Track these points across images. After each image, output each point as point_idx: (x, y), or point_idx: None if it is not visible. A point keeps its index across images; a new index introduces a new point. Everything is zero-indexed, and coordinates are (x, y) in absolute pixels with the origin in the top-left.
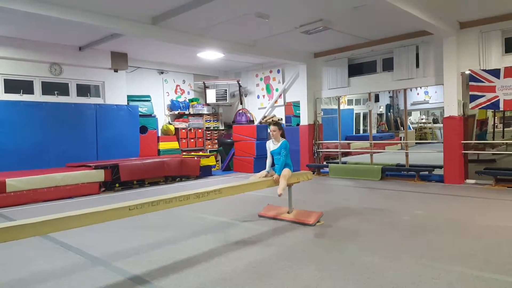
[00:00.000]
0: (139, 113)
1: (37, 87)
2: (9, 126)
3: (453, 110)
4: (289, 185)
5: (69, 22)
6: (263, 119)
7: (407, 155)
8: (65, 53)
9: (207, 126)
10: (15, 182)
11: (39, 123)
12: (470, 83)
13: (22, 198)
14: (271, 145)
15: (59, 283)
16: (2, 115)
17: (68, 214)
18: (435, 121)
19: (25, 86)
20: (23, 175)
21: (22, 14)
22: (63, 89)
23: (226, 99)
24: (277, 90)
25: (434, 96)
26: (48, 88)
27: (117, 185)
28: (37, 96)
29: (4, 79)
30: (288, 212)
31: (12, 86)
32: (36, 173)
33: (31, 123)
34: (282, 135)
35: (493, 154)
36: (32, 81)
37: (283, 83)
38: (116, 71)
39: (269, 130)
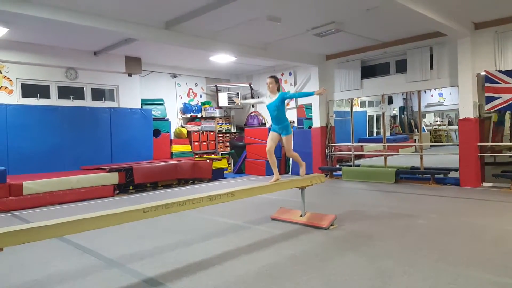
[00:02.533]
0: (153, 117)
1: (53, 92)
2: (26, 129)
3: (468, 112)
4: (302, 188)
5: (84, 28)
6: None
7: (421, 158)
8: (81, 58)
9: (219, 129)
10: (32, 185)
11: (55, 127)
12: (486, 84)
13: (38, 200)
14: (267, 100)
15: (75, 285)
16: (19, 119)
17: (84, 216)
18: (450, 123)
19: (42, 91)
20: (39, 178)
21: (38, 20)
22: (78, 93)
23: None
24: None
25: (449, 97)
26: (64, 92)
27: (131, 187)
28: (53, 100)
29: (22, 84)
30: (301, 215)
31: (29, 90)
32: (52, 176)
33: (47, 127)
34: (279, 89)
35: (510, 156)
36: (49, 86)
37: (295, 86)
38: (130, 75)
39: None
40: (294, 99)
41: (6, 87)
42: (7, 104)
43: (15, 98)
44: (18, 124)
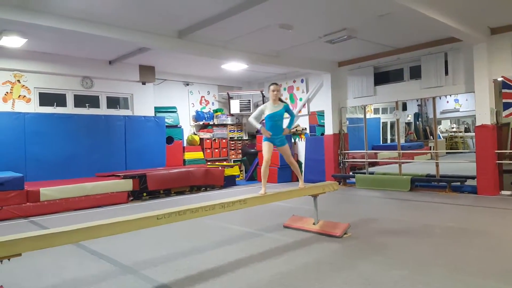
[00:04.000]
0: (166, 124)
1: (70, 100)
2: (43, 137)
3: (485, 118)
4: (315, 196)
5: (99, 38)
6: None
7: (437, 165)
8: (96, 67)
9: (231, 136)
10: (48, 192)
11: (71, 135)
12: (503, 90)
13: (54, 206)
14: (267, 109)
15: None
16: (37, 127)
17: (99, 222)
18: (466, 129)
19: (59, 99)
20: (56, 184)
21: (55, 31)
22: (94, 101)
23: (250, 109)
24: (301, 99)
25: (465, 104)
26: (80, 100)
27: (144, 194)
28: (70, 108)
29: (39, 93)
30: (313, 223)
31: (46, 99)
32: (68, 182)
33: (64, 135)
34: (281, 100)
35: None
36: (65, 94)
37: (307, 93)
38: (144, 83)
39: (270, 91)
40: (306, 105)
41: (24, 96)
42: (25, 113)
43: (33, 107)
44: (35, 132)
